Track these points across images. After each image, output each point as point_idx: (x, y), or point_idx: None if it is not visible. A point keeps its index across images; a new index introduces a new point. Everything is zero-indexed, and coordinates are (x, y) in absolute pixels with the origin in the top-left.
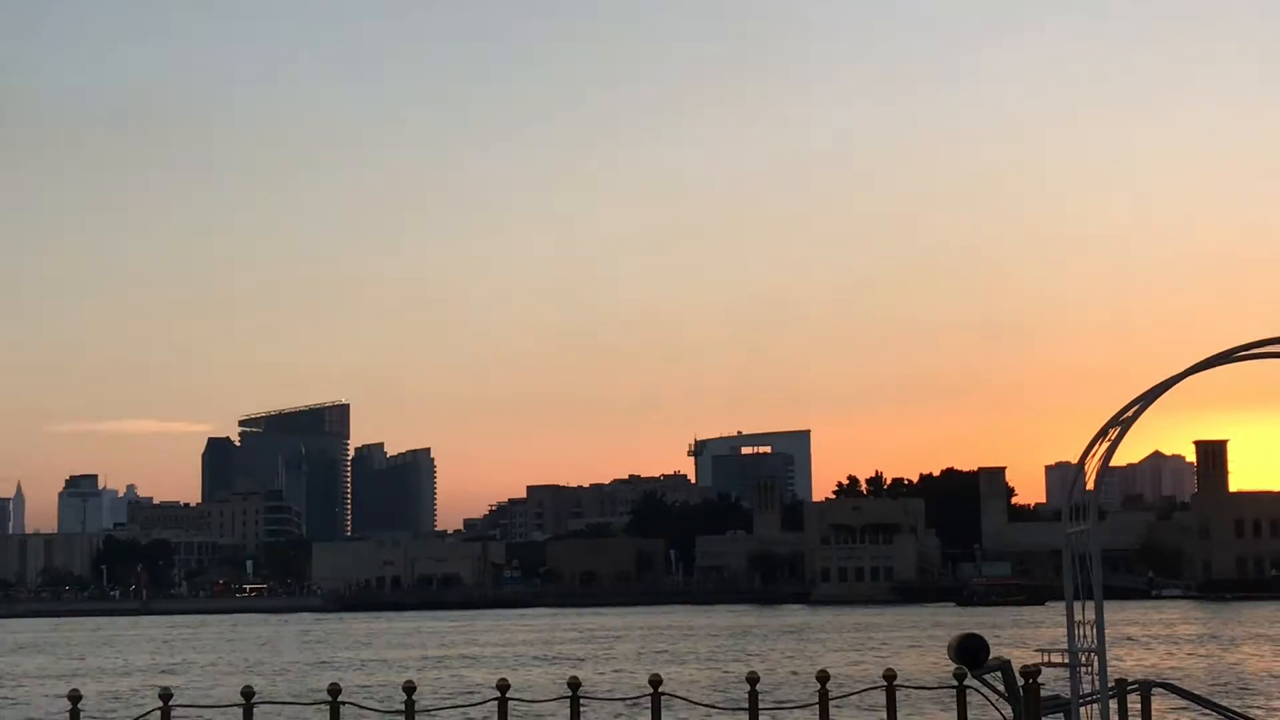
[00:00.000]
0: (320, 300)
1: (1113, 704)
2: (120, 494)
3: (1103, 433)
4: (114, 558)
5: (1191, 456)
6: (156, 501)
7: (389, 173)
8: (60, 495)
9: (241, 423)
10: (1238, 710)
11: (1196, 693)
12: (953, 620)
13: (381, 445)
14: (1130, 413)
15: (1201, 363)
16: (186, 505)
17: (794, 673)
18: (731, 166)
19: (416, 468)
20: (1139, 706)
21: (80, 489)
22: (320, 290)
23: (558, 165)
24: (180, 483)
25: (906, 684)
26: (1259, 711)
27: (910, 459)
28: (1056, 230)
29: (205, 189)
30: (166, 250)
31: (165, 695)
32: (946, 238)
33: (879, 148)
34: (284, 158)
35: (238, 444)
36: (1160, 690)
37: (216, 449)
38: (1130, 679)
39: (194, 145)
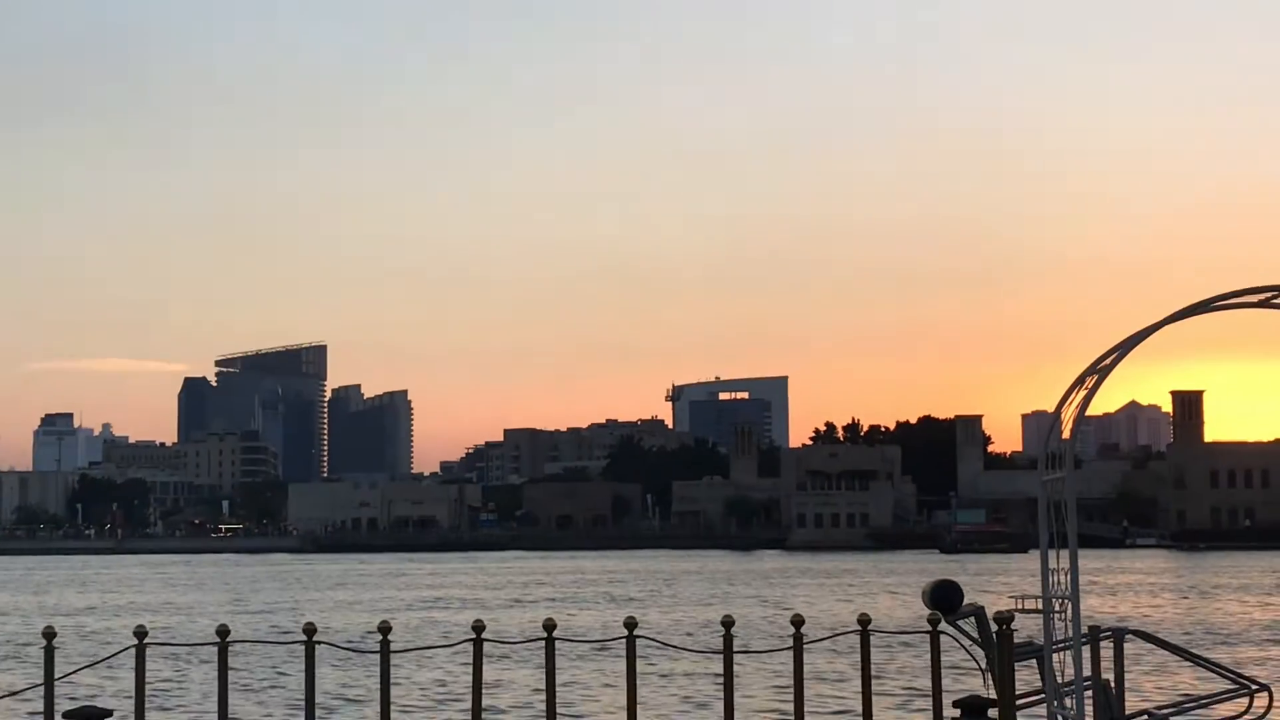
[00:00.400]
0: (298, 241)
1: (1085, 651)
2: (96, 433)
3: (1080, 381)
4: (89, 496)
5: (1168, 406)
6: (132, 440)
7: (368, 117)
8: (35, 433)
9: (218, 363)
10: (1208, 657)
11: (1168, 640)
12: (935, 567)
13: (358, 387)
14: (1107, 361)
15: (1179, 312)
16: (162, 445)
17: (769, 618)
18: (713, 114)
19: (393, 409)
20: (1111, 653)
21: (56, 427)
22: (298, 231)
23: (536, 111)
24: (156, 422)
25: (880, 629)
26: (1228, 659)
27: (887, 406)
28: (1035, 181)
29: (185, 129)
30: (144, 189)
31: (140, 633)
32: (927, 189)
33: (865, 99)
34: (265, 99)
35: (214, 384)
36: (1132, 637)
37: (193, 389)
38: (1103, 626)
39: (173, 85)
